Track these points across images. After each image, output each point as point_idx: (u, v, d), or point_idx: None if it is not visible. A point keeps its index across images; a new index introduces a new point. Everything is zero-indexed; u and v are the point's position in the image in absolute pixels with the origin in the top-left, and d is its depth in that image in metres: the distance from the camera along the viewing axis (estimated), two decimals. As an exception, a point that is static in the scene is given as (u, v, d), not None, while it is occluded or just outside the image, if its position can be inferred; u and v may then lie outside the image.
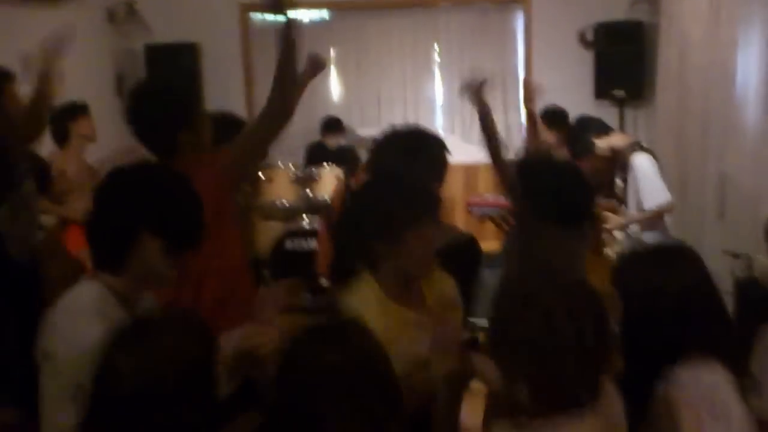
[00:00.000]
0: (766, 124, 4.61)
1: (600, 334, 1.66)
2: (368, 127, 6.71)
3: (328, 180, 5.73)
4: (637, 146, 4.38)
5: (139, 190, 1.90)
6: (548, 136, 5.63)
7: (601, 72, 6.51)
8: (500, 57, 7.14)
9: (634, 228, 4.44)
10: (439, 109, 7.39)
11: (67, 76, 5.16)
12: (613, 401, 1.72)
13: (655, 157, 4.39)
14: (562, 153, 5.61)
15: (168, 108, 2.73)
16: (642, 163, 4.27)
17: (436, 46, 7.27)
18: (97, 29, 6.05)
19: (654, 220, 4.33)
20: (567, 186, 2.73)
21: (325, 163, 5.91)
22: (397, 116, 7.12)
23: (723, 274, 4.69)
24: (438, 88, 7.36)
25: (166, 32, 6.60)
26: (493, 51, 7.14)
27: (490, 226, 4.79)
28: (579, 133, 4.54)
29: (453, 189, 7.00)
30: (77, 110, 4.61)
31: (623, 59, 6.38)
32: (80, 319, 1.80)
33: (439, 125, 7.41)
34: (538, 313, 1.62)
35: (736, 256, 4.58)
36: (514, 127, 7.23)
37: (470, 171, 7.00)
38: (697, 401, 1.81)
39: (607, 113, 6.64)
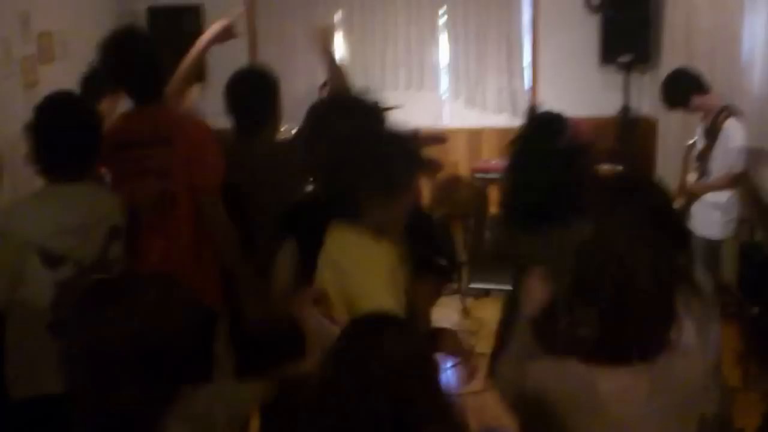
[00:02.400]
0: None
1: (670, 294, 1.72)
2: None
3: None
4: (730, 110, 4.39)
5: None
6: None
7: (607, 36, 6.46)
8: (505, 21, 7.08)
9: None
10: (443, 73, 7.35)
11: (68, 38, 5.16)
12: (676, 362, 1.73)
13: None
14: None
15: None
16: (736, 127, 4.32)
17: (441, 10, 7.21)
18: (100, -9, 6.01)
19: (734, 183, 4.41)
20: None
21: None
22: (402, 80, 7.08)
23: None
24: (443, 53, 7.30)
25: (169, -6, 6.55)
26: (499, 15, 7.07)
27: (495, 191, 4.80)
28: (677, 83, 4.57)
29: (457, 153, 6.99)
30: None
31: (629, 24, 6.33)
32: None
33: (443, 89, 7.37)
34: (623, 268, 1.66)
35: (740, 220, 4.61)
36: (519, 91, 7.20)
37: (474, 135, 6.98)
38: None
39: (612, 78, 6.62)
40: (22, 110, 4.25)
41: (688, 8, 5.64)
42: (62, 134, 2.54)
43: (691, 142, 4.68)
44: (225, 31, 3.42)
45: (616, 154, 6.04)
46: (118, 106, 3.94)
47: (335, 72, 3.55)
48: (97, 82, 4.06)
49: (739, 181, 4.43)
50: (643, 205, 2.08)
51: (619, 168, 5.15)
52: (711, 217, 4.47)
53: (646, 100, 6.56)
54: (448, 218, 4.15)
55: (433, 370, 1.57)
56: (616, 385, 1.68)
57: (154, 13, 6.52)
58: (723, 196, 4.45)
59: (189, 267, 2.82)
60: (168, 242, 2.88)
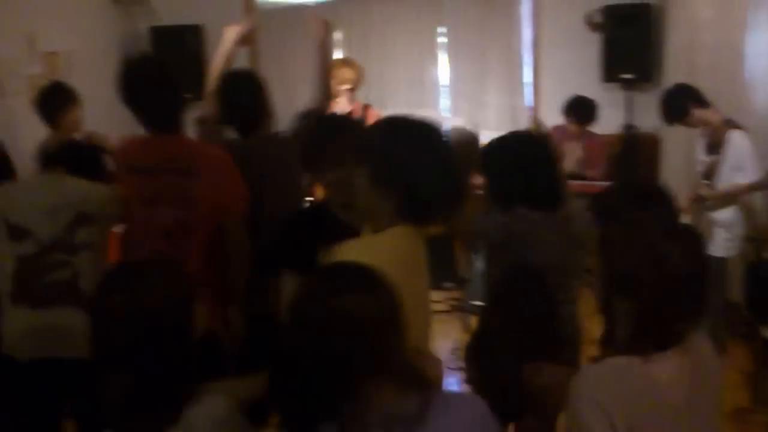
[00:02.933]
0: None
1: (703, 279, 1.79)
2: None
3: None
4: (732, 124, 4.39)
5: None
6: (571, 127, 5.70)
7: (609, 55, 6.47)
8: (506, 39, 7.10)
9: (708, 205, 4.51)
10: (444, 92, 7.36)
11: (74, 57, 5.19)
12: (701, 345, 1.83)
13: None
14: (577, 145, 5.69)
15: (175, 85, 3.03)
16: (740, 139, 4.32)
17: (441, 29, 7.23)
18: (102, 11, 6.02)
19: (745, 194, 4.44)
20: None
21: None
22: (402, 99, 7.10)
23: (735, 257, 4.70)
24: (443, 71, 7.32)
25: (170, 14, 6.57)
26: (499, 34, 7.10)
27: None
28: (675, 97, 4.58)
29: (459, 172, 6.98)
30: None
31: (631, 42, 6.34)
32: None
33: (444, 108, 7.38)
34: (652, 255, 1.74)
35: (748, 239, 4.59)
36: (520, 110, 7.21)
37: (476, 154, 6.97)
38: None
39: (614, 96, 6.62)
40: (29, 126, 4.27)
41: (690, 25, 5.66)
42: None
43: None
44: (244, 36, 3.50)
45: (620, 171, 6.05)
46: (80, 117, 4.21)
47: (322, 69, 3.77)
48: (56, 96, 4.17)
49: (752, 191, 4.42)
50: (661, 210, 2.20)
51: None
52: (715, 235, 4.46)
53: (649, 117, 6.54)
54: (450, 235, 4.15)
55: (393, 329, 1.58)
56: (668, 372, 1.72)
57: (156, 32, 6.54)
58: (727, 214, 4.44)
59: None
60: None
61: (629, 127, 6.55)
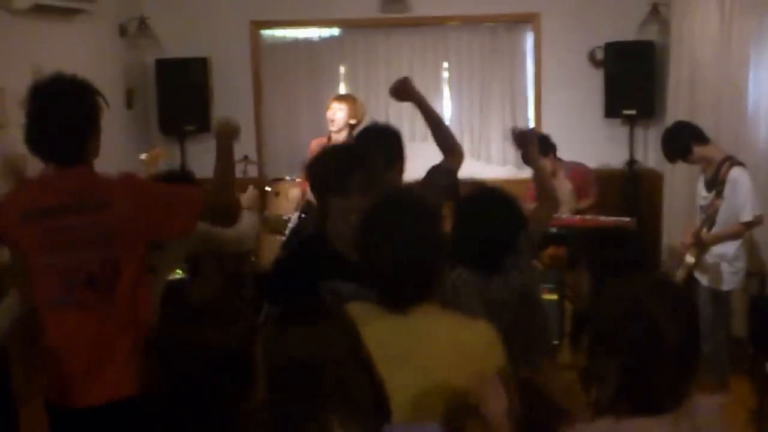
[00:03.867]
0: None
1: (695, 341, 1.73)
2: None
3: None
4: (733, 160, 4.41)
5: None
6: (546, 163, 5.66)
7: (611, 91, 6.51)
8: (509, 76, 7.14)
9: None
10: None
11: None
12: (698, 410, 1.72)
13: None
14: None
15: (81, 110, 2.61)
16: (742, 176, 4.34)
17: (445, 65, 7.27)
18: (108, 43, 6.06)
19: (746, 231, 4.43)
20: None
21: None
22: (406, 134, 7.07)
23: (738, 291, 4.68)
24: (447, 106, 7.35)
25: (176, 47, 6.62)
26: (503, 70, 7.13)
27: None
28: (677, 135, 4.60)
29: (462, 206, 6.98)
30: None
31: (633, 78, 6.38)
32: None
33: (447, 143, 7.40)
34: (643, 318, 1.67)
35: (750, 274, 4.57)
36: (523, 145, 7.23)
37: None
38: None
39: (617, 132, 6.66)
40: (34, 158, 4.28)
41: (692, 62, 5.69)
42: None
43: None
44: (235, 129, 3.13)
45: (622, 206, 6.05)
46: None
47: None
48: None
49: (752, 228, 4.41)
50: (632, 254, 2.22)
51: (626, 220, 5.13)
52: (718, 268, 4.45)
53: (652, 153, 6.58)
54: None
55: None
56: None
57: (162, 65, 6.59)
58: (730, 248, 4.43)
59: (113, 343, 2.54)
60: (100, 316, 2.53)
61: (631, 163, 6.57)
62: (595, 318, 1.79)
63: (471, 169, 7.11)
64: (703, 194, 4.56)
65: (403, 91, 3.46)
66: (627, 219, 4.98)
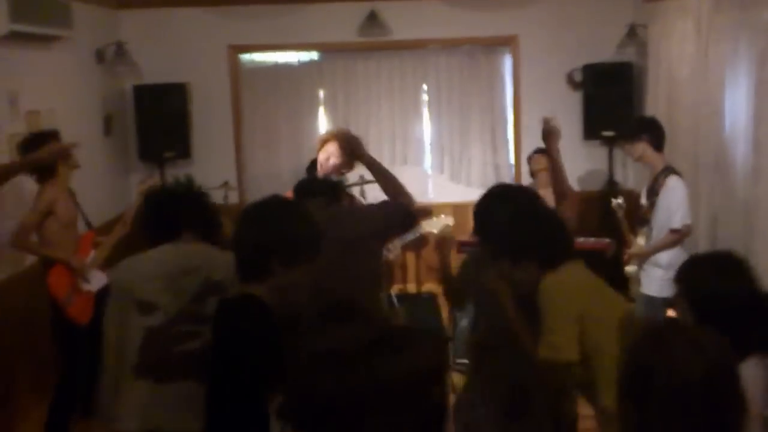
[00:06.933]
0: (755, 162, 4.63)
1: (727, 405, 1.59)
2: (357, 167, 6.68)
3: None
4: (671, 169, 4.50)
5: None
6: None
7: (590, 112, 6.55)
8: (488, 98, 7.18)
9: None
10: (428, 148, 7.40)
11: (56, 115, 5.17)
12: None
13: None
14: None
15: None
16: (677, 184, 4.42)
17: (424, 87, 7.30)
18: (86, 69, 6.02)
19: (677, 241, 4.44)
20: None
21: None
22: (386, 156, 7.10)
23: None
24: (426, 129, 7.37)
25: (155, 73, 6.59)
26: (482, 92, 7.18)
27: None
28: (641, 121, 4.84)
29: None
30: (50, 137, 4.22)
31: (611, 100, 6.43)
32: None
33: (427, 165, 7.41)
34: (668, 360, 1.57)
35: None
36: (503, 167, 7.25)
37: (459, 210, 6.98)
38: (756, 397, 1.96)
39: (596, 153, 6.69)
40: (10, 185, 4.22)
41: (669, 82, 5.74)
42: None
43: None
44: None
45: (601, 228, 6.04)
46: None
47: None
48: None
49: (682, 237, 4.44)
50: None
51: (606, 241, 5.13)
52: (652, 274, 4.48)
53: (631, 174, 6.62)
54: (435, 295, 4.08)
55: None
56: None
57: (140, 90, 6.55)
58: (664, 255, 4.45)
59: None
60: None
61: (611, 184, 6.59)
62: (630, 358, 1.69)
63: (451, 191, 7.20)
64: (642, 202, 4.64)
65: (352, 151, 3.74)
66: (607, 240, 4.96)
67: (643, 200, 4.65)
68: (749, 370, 1.97)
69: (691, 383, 1.54)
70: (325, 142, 4.06)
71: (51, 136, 4.22)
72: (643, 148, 4.53)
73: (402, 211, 3.28)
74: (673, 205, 4.39)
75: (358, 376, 1.38)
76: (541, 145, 3.92)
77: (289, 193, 3.27)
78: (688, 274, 2.31)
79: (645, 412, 1.57)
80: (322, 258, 2.30)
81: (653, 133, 4.56)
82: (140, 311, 2.63)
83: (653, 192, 4.51)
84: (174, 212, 2.78)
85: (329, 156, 4.00)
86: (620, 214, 4.85)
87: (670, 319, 1.96)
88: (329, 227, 2.53)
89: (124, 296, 2.68)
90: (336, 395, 1.39)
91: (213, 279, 2.61)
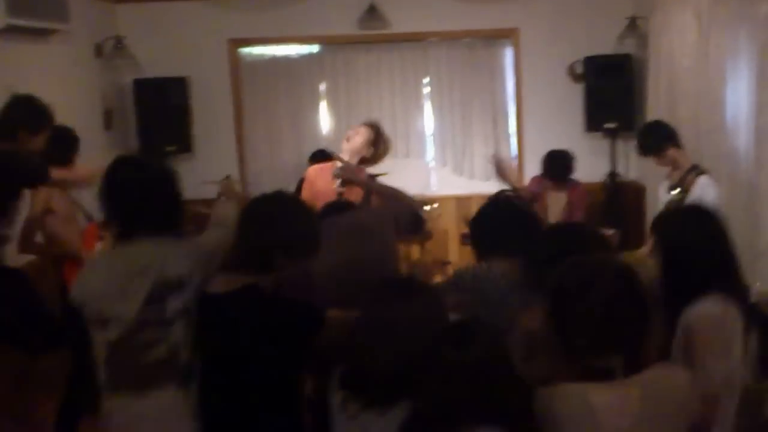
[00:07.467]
0: (757, 153, 4.61)
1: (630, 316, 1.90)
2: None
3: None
4: (702, 169, 4.48)
5: None
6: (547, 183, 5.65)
7: (591, 105, 6.53)
8: (489, 90, 7.15)
9: None
10: (429, 141, 7.38)
11: (55, 110, 5.16)
12: (658, 376, 1.93)
13: None
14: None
15: None
16: (709, 182, 4.41)
17: (425, 80, 7.27)
18: (85, 64, 6.01)
19: None
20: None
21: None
22: (388, 149, 7.07)
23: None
24: (428, 121, 7.35)
25: (154, 67, 6.57)
26: (483, 85, 7.14)
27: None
28: (655, 131, 4.68)
29: (446, 221, 6.97)
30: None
31: (613, 92, 6.41)
32: None
33: (429, 158, 7.39)
34: (578, 277, 1.91)
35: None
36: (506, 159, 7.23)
37: (462, 202, 6.98)
38: (708, 330, 2.29)
39: (598, 145, 6.67)
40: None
41: (670, 75, 5.71)
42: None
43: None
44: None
45: (605, 219, 6.04)
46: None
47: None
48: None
49: None
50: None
51: (610, 232, 5.11)
52: None
53: (633, 165, 6.60)
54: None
55: None
56: (608, 399, 1.85)
57: (140, 84, 6.54)
58: None
59: None
60: None
61: (613, 176, 6.57)
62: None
63: (454, 184, 7.18)
64: (666, 197, 4.59)
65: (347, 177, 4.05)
66: (610, 231, 4.94)
67: (663, 195, 4.62)
68: (708, 305, 2.33)
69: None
70: (360, 126, 4.48)
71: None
72: (672, 153, 4.53)
73: (412, 215, 3.53)
74: (708, 203, 4.35)
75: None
76: (540, 139, 3.91)
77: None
78: (662, 226, 2.62)
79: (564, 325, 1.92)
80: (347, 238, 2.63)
81: (671, 135, 4.56)
82: (98, 326, 2.44)
83: (682, 189, 4.47)
84: (119, 207, 2.54)
85: (357, 133, 4.37)
86: (614, 244, 4.75)
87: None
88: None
89: (81, 314, 2.48)
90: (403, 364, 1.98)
91: (167, 276, 2.39)
